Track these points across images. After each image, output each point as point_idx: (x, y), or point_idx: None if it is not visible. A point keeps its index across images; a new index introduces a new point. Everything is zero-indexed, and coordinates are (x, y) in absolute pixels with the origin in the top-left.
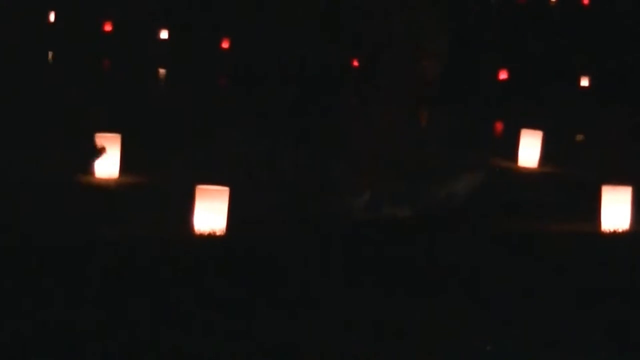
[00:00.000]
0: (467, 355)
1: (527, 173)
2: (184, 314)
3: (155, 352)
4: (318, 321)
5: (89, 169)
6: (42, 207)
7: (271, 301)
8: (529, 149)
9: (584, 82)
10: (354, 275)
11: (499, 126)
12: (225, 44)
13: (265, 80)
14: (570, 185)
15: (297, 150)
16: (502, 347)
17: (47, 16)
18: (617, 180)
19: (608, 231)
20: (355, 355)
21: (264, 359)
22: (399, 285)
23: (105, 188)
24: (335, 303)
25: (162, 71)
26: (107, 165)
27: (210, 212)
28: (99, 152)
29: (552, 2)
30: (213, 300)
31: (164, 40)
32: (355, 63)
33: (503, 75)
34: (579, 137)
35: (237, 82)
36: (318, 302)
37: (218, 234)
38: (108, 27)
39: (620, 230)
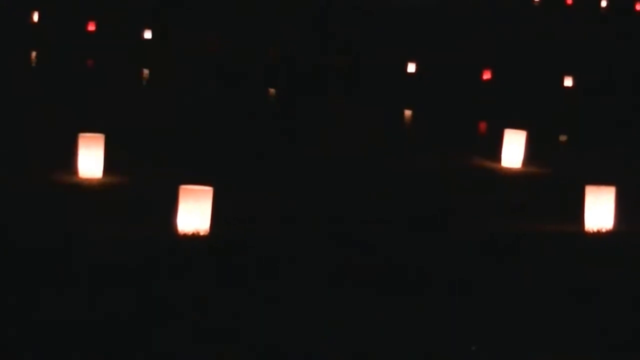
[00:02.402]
0: (454, 354)
1: (510, 173)
2: (168, 313)
3: (141, 351)
4: (303, 320)
5: (72, 169)
6: (25, 207)
7: (256, 300)
8: (513, 149)
9: (568, 82)
10: (343, 274)
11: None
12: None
13: (252, 80)
14: (554, 185)
15: None
16: (489, 346)
17: (30, 16)
18: (601, 180)
19: (592, 231)
20: (343, 353)
21: (249, 357)
22: (388, 285)
23: (88, 188)
24: (322, 303)
25: (145, 71)
26: (91, 165)
27: (194, 213)
28: None
29: (536, 2)
30: (197, 299)
31: (148, 40)
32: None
33: (487, 75)
34: (563, 137)
35: (224, 81)
36: (303, 301)
37: (202, 234)
38: (92, 27)
39: (604, 229)
